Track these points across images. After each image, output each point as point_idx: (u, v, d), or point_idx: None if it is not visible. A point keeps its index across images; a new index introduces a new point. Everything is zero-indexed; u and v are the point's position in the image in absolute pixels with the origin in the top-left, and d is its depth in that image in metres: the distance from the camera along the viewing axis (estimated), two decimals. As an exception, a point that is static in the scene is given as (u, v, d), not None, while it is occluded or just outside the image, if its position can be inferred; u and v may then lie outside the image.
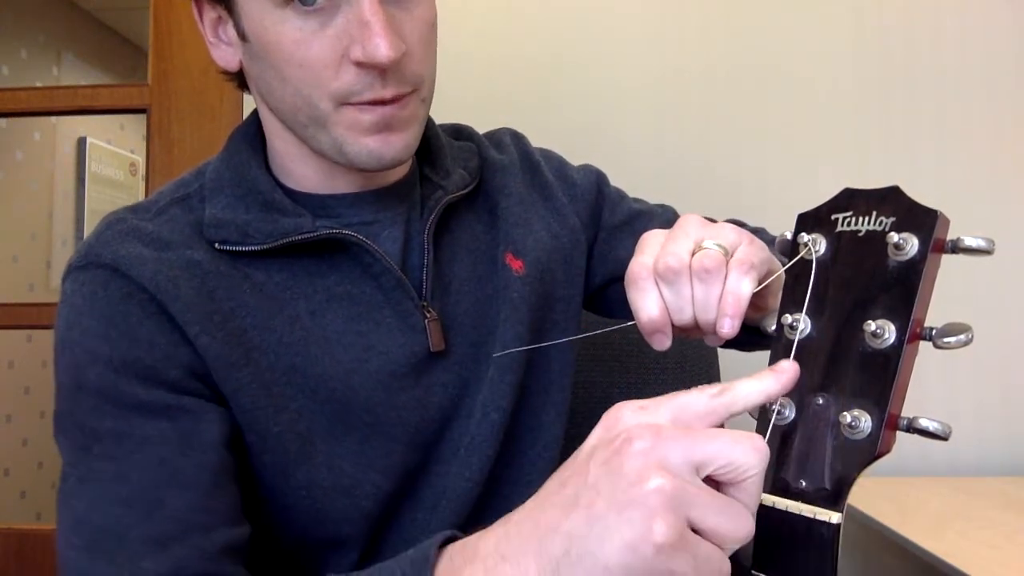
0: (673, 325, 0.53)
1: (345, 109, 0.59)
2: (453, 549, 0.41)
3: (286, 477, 0.61)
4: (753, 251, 0.52)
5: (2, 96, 1.55)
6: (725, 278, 0.51)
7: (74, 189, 3.48)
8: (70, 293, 0.60)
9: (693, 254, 0.52)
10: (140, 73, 3.71)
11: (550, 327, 0.75)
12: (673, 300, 0.52)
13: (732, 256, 0.52)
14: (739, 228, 0.55)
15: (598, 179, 0.84)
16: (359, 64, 0.57)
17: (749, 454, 0.37)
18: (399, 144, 0.61)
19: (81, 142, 3.51)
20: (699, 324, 0.52)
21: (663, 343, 0.53)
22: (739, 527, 0.37)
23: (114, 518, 0.53)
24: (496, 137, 0.82)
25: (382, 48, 0.55)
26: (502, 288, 0.71)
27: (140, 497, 0.54)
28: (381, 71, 0.57)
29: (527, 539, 0.38)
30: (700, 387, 0.41)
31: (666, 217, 0.83)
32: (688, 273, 0.51)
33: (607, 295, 0.83)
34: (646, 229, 0.79)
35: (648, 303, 0.52)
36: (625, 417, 0.39)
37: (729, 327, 0.50)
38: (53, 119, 3.30)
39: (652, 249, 0.54)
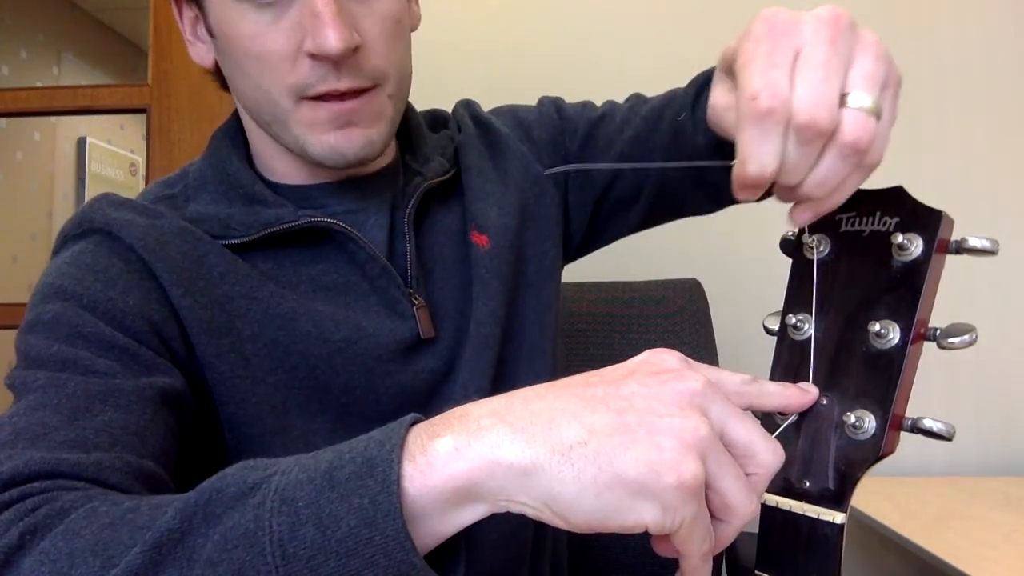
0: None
1: (303, 105, 0.59)
2: (433, 418, 0.38)
3: (263, 450, 0.60)
4: (890, 122, 0.42)
5: (2, 96, 1.55)
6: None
7: (74, 189, 3.48)
8: (60, 256, 0.60)
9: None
10: (140, 73, 3.71)
11: (524, 290, 0.74)
12: (795, 161, 0.40)
13: (880, 114, 0.40)
14: (885, 60, 0.41)
15: (555, 108, 0.80)
16: (312, 56, 0.57)
17: (770, 453, 0.38)
18: (360, 139, 0.60)
19: (81, 142, 3.51)
20: (790, 192, 0.43)
21: (752, 197, 0.43)
22: (748, 501, 0.37)
23: (37, 420, 0.48)
24: (457, 115, 0.80)
25: (331, 39, 0.55)
26: (473, 267, 0.70)
27: (70, 404, 0.49)
28: (334, 63, 0.57)
29: (537, 415, 0.36)
30: (731, 372, 0.41)
31: (630, 105, 0.76)
32: (830, 137, 0.40)
33: (603, 212, 0.78)
34: (608, 132, 0.75)
35: (767, 154, 0.40)
36: (669, 359, 0.39)
37: (808, 220, 0.43)
38: (53, 119, 3.31)
39: (782, 73, 0.40)
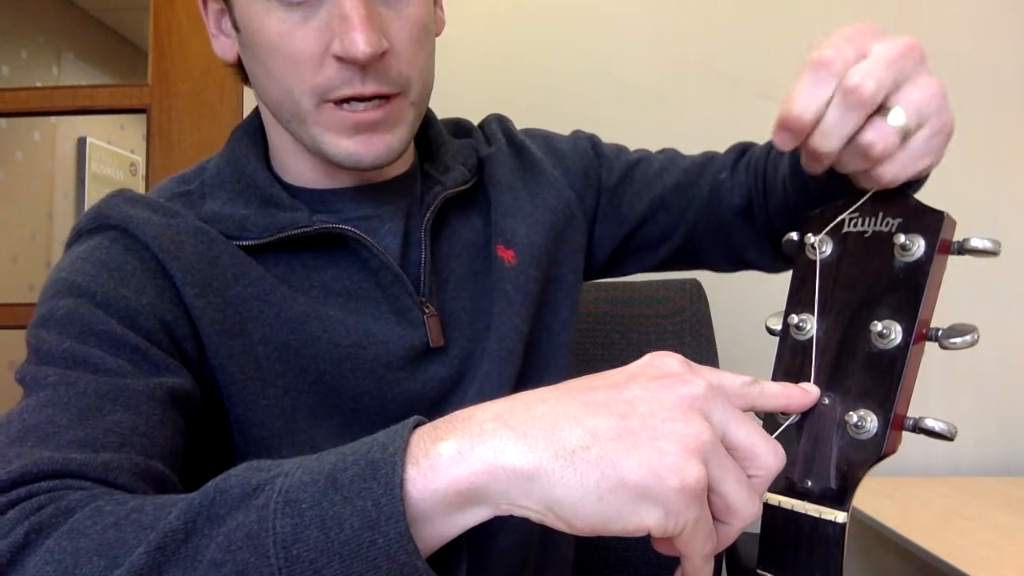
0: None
1: (326, 107, 0.59)
2: (436, 421, 0.39)
3: (271, 453, 0.60)
4: (919, 154, 0.45)
5: (2, 96, 1.55)
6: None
7: (74, 189, 3.48)
8: (73, 250, 0.59)
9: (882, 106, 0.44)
10: (140, 73, 3.71)
11: (545, 308, 0.74)
12: (831, 123, 0.44)
13: (908, 138, 0.45)
14: (938, 100, 0.46)
15: (591, 144, 0.82)
16: (339, 59, 0.57)
17: (772, 455, 0.38)
18: (380, 146, 0.60)
19: (81, 142, 3.51)
20: (817, 160, 0.47)
21: (786, 144, 0.47)
22: (750, 503, 0.37)
23: (46, 418, 0.48)
24: (488, 128, 0.81)
25: (359, 43, 0.55)
26: (496, 281, 0.70)
27: (80, 404, 0.49)
28: (361, 67, 0.57)
29: (540, 419, 0.36)
30: (732, 373, 0.41)
31: (667, 156, 0.81)
32: (864, 120, 0.44)
33: (627, 248, 0.81)
34: (645, 175, 0.78)
35: (811, 97, 0.44)
36: (671, 363, 0.39)
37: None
38: (53, 119, 3.31)
39: (854, 47, 0.45)
